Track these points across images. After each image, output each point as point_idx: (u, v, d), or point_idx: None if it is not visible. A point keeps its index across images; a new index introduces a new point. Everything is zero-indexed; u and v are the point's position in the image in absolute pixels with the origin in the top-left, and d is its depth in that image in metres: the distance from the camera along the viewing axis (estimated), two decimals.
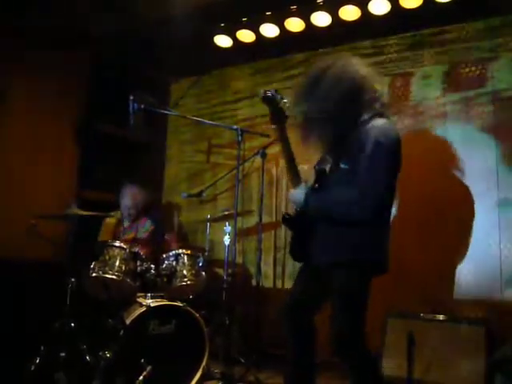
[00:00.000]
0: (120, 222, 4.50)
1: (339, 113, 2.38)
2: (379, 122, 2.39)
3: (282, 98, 2.58)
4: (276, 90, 2.59)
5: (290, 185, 2.62)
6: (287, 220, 2.66)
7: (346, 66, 2.44)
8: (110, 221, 4.46)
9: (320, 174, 2.60)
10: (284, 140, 2.61)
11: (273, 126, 2.65)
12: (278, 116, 2.60)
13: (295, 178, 2.59)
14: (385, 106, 2.50)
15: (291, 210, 2.66)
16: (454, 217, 4.22)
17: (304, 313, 2.60)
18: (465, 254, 4.18)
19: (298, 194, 2.52)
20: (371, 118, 2.41)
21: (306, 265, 2.66)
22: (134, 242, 4.31)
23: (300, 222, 2.59)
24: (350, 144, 2.40)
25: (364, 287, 2.40)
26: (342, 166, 2.42)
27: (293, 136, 2.60)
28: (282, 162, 5.07)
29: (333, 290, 2.40)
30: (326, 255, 2.44)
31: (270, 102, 2.58)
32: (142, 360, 3.27)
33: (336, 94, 2.36)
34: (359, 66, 2.48)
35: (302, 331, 2.60)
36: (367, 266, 2.40)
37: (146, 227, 4.53)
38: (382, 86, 2.56)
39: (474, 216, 4.19)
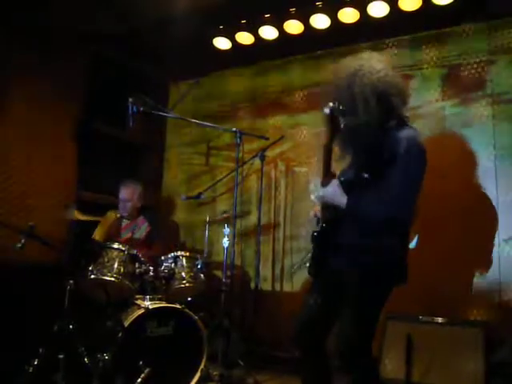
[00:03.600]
0: (118, 220, 4.50)
1: (370, 118, 2.30)
2: (407, 132, 2.33)
3: (339, 109, 2.33)
4: (337, 104, 2.33)
5: (321, 181, 2.45)
6: (317, 236, 2.54)
7: (377, 69, 2.36)
8: (111, 215, 4.48)
9: (343, 185, 2.49)
10: (330, 149, 2.43)
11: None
12: (335, 131, 2.38)
13: (328, 175, 2.44)
14: (408, 112, 2.46)
15: (316, 227, 2.55)
16: (454, 219, 4.22)
17: (316, 335, 2.53)
18: (464, 256, 4.18)
19: (332, 190, 2.38)
20: (397, 127, 2.36)
21: (320, 280, 2.60)
22: (130, 242, 4.32)
23: (324, 236, 2.52)
24: (373, 152, 2.35)
25: (382, 297, 2.37)
26: (364, 175, 2.38)
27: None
28: (281, 165, 5.17)
29: (348, 298, 2.36)
30: (349, 262, 2.38)
31: (332, 119, 2.34)
32: (141, 362, 3.27)
33: (368, 99, 2.30)
34: (388, 67, 2.41)
35: (314, 354, 2.54)
36: (390, 274, 2.36)
37: (142, 228, 4.53)
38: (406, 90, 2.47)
39: (473, 218, 4.19)
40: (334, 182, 2.39)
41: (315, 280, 2.63)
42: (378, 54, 2.52)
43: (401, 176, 2.25)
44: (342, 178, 2.52)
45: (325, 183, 2.42)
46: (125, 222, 4.50)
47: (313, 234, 2.56)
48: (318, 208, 2.59)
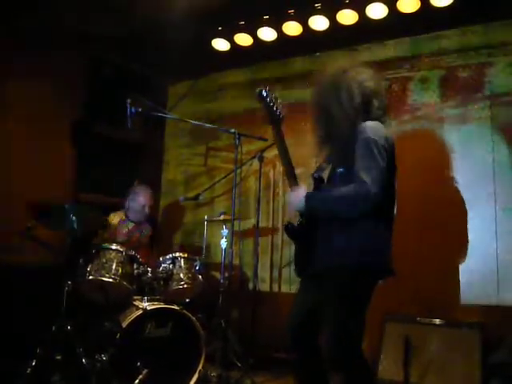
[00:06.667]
0: (122, 222, 4.48)
1: (340, 115, 2.42)
2: (369, 123, 2.40)
3: (276, 98, 2.58)
4: (269, 90, 2.58)
5: (288, 186, 2.60)
6: (289, 229, 2.61)
7: (351, 73, 2.50)
8: (114, 218, 4.45)
9: (318, 181, 2.60)
10: (280, 141, 2.60)
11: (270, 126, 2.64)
12: (271, 116, 2.60)
13: (292, 179, 2.58)
14: (384, 112, 2.52)
15: (293, 220, 2.62)
16: (452, 221, 4.22)
17: (307, 334, 2.54)
18: (462, 258, 4.19)
19: (296, 194, 2.50)
20: (364, 121, 2.43)
21: (306, 279, 2.63)
22: (136, 244, 4.31)
23: (302, 232, 2.56)
24: (346, 148, 2.40)
25: (363, 291, 2.38)
26: (339, 170, 2.44)
27: (291, 139, 2.60)
28: (280, 166, 5.17)
29: (329, 295, 2.37)
30: (325, 259, 2.41)
31: (263, 100, 2.57)
32: (139, 363, 3.27)
33: (339, 97, 2.43)
34: (365, 73, 2.52)
35: (308, 353, 2.55)
36: (368, 268, 2.36)
37: (147, 231, 4.53)
38: (384, 94, 2.59)
39: (471, 220, 4.20)
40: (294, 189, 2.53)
41: (302, 279, 2.67)
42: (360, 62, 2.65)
43: (360, 160, 2.29)
44: (316, 175, 2.62)
45: (291, 186, 2.56)
46: (131, 225, 4.48)
47: (286, 226, 2.62)
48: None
